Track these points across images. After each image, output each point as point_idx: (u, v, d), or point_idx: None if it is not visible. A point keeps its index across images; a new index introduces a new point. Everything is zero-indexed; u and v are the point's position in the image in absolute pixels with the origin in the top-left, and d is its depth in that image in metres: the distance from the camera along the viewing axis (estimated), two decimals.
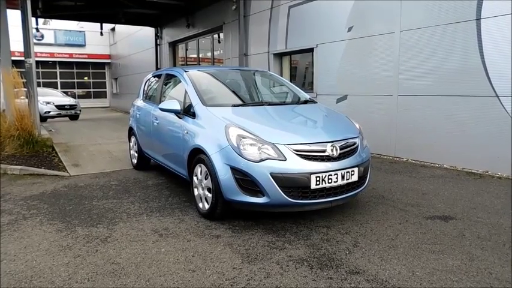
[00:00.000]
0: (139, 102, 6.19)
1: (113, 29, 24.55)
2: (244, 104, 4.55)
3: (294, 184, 3.37)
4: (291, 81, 9.05)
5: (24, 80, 7.93)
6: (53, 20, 23.07)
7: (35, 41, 10.17)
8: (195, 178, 4.03)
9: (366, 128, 4.74)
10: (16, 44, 9.28)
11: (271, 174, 3.34)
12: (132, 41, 21.20)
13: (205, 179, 3.80)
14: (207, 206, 3.82)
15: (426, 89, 6.35)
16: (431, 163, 6.31)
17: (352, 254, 3.04)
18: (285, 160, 3.39)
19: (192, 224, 3.74)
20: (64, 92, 19.78)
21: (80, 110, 17.00)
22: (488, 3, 5.44)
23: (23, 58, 7.90)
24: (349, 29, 7.62)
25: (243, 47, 10.79)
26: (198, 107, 4.19)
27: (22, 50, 7.87)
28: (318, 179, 3.40)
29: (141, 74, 14.26)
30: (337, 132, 3.89)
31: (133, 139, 6.32)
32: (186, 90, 4.55)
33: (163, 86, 5.49)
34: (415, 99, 6.56)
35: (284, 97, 5.27)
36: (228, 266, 2.86)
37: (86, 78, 28.74)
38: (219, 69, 6.10)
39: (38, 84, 9.85)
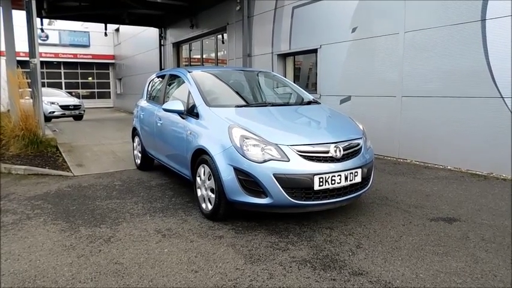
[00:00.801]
0: (143, 103, 6.20)
1: (117, 30, 24.63)
2: (248, 105, 4.55)
3: (297, 185, 3.37)
4: (294, 82, 9.04)
5: (29, 80, 7.97)
6: (58, 21, 23.20)
7: (39, 41, 10.19)
8: (198, 179, 4.03)
9: (370, 129, 4.73)
10: (21, 44, 9.34)
11: (274, 175, 3.34)
12: (136, 41, 21.26)
13: (209, 180, 3.80)
14: (210, 207, 3.82)
15: (430, 90, 6.33)
16: (435, 164, 6.28)
17: (355, 255, 3.03)
18: (288, 161, 3.39)
19: (195, 224, 3.75)
20: (68, 93, 19.85)
21: (84, 110, 17.06)
22: (493, 4, 5.41)
23: (27, 58, 7.94)
24: (353, 30, 7.60)
25: (247, 48, 10.80)
26: (201, 107, 4.19)
27: (27, 50, 7.92)
28: (321, 180, 3.39)
29: (145, 75, 14.29)
30: (340, 133, 3.88)
31: (136, 139, 6.34)
32: (189, 91, 4.55)
33: (167, 86, 5.50)
34: (419, 100, 6.53)
35: (287, 98, 5.27)
36: (230, 266, 2.86)
37: (90, 78, 28.84)
38: (222, 70, 6.10)
39: (43, 85, 9.88)
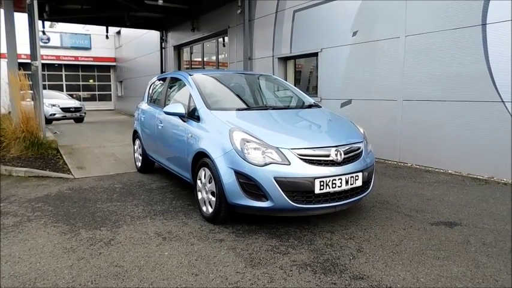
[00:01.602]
0: (144, 106, 6.21)
1: (119, 33, 24.71)
2: (249, 108, 4.56)
3: (297, 188, 3.37)
4: (295, 85, 9.04)
5: (30, 83, 7.98)
6: (59, 23, 23.26)
7: (41, 43, 10.23)
8: (198, 182, 4.03)
9: (370, 133, 4.73)
10: (23, 46, 9.36)
11: (275, 178, 3.34)
12: (137, 44, 21.32)
13: (209, 183, 3.80)
14: (210, 210, 3.82)
15: (431, 94, 6.33)
16: (436, 168, 6.27)
17: (356, 259, 3.03)
18: (289, 164, 3.39)
19: (195, 227, 3.74)
20: (69, 95, 19.89)
21: (85, 113, 17.08)
22: (494, 9, 5.42)
23: (29, 61, 7.95)
24: (354, 34, 7.62)
25: (248, 51, 10.82)
26: (202, 110, 4.20)
27: (28, 52, 7.93)
28: (322, 183, 3.39)
29: (146, 77, 14.33)
30: (341, 136, 3.88)
31: (137, 142, 6.34)
32: (190, 94, 4.56)
33: (168, 89, 5.51)
34: (419, 104, 6.53)
35: (288, 101, 5.27)
36: (231, 270, 2.85)
37: (91, 81, 28.89)
38: (223, 73, 6.11)
39: (44, 87, 9.91)
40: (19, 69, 8.02)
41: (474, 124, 5.78)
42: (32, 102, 7.98)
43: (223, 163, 3.58)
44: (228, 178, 3.53)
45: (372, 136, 4.85)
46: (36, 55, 7.85)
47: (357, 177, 3.62)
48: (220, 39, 13.45)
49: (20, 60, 8.58)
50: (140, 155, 6.19)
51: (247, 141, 3.51)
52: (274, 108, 4.75)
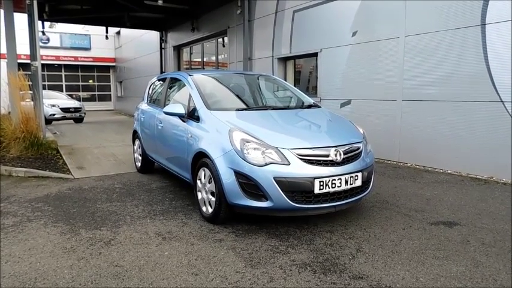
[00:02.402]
0: (144, 106, 6.22)
1: (118, 33, 24.70)
2: (248, 108, 4.56)
3: (297, 188, 3.37)
4: (295, 85, 9.06)
5: (30, 83, 7.99)
6: (59, 24, 23.26)
7: (40, 44, 10.24)
8: (198, 182, 4.03)
9: (370, 133, 4.74)
10: (22, 47, 9.36)
11: (274, 178, 3.34)
12: (137, 44, 21.32)
13: (209, 183, 3.81)
14: (210, 210, 3.82)
15: (430, 94, 6.34)
16: (436, 168, 6.28)
17: (355, 259, 3.03)
18: (289, 164, 3.39)
19: (195, 227, 3.75)
20: (69, 95, 19.89)
21: (85, 113, 17.09)
22: (493, 9, 5.43)
23: (29, 61, 7.96)
24: (354, 34, 7.63)
25: (247, 51, 10.82)
26: (202, 110, 4.20)
27: (28, 53, 7.94)
28: (321, 183, 3.40)
29: (146, 78, 14.35)
30: (341, 136, 3.89)
31: (137, 142, 6.35)
32: (190, 94, 4.57)
33: (168, 89, 5.52)
34: (419, 104, 6.54)
35: (288, 101, 5.28)
36: (231, 269, 2.86)
37: (90, 81, 28.89)
38: (223, 73, 6.12)
39: (44, 87, 9.90)
40: (19, 69, 8.02)
41: (473, 124, 5.79)
42: (32, 103, 7.99)
43: (223, 163, 3.58)
44: (227, 178, 3.53)
45: (372, 136, 4.86)
46: (35, 55, 7.86)
47: (356, 177, 3.62)
48: (220, 40, 13.46)
49: (19, 61, 8.58)
50: (140, 155, 6.19)
51: (247, 141, 3.52)
52: (273, 108, 4.75)
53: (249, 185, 3.43)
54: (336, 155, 3.54)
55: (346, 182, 3.54)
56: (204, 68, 14.92)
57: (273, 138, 3.58)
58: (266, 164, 3.39)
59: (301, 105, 4.95)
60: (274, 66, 10.02)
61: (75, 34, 26.36)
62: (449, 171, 6.09)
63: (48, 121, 14.46)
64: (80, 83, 28.55)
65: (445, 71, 6.09)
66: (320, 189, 3.40)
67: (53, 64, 26.44)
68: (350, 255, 3.11)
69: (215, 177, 3.64)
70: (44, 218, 4.06)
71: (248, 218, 3.86)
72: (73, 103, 16.88)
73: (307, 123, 4.37)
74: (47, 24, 19.67)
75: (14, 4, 8.44)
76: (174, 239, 3.46)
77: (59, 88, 25.30)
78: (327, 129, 4.25)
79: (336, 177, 3.48)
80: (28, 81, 7.97)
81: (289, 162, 3.40)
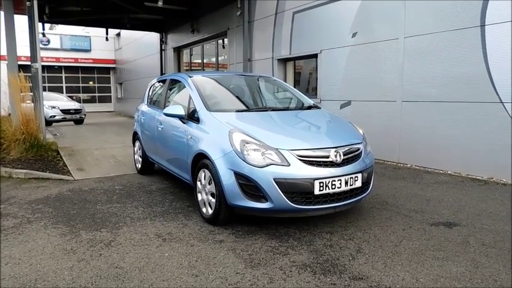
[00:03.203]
0: (144, 107, 6.22)
1: (118, 34, 24.73)
2: (248, 110, 4.56)
3: (297, 189, 3.38)
4: (295, 86, 9.06)
5: (30, 85, 8.00)
6: (59, 25, 23.29)
7: (41, 45, 10.26)
8: (198, 183, 4.04)
9: (370, 134, 4.74)
10: (23, 48, 9.38)
11: (274, 179, 3.35)
12: (137, 46, 21.34)
13: (209, 184, 3.81)
14: (210, 211, 3.82)
15: (430, 95, 6.35)
16: (435, 169, 6.28)
17: (355, 260, 3.04)
18: (289, 165, 3.40)
19: (195, 228, 3.75)
20: (69, 97, 19.90)
21: (85, 115, 17.10)
22: (492, 10, 5.44)
23: (29, 63, 7.98)
24: (353, 35, 7.64)
25: (247, 53, 10.84)
26: (202, 112, 4.21)
27: (28, 54, 7.95)
28: (321, 184, 3.40)
29: (146, 79, 14.36)
30: (340, 137, 3.89)
31: (137, 144, 6.35)
32: (190, 96, 4.57)
33: (168, 91, 5.52)
34: (418, 105, 6.55)
35: (288, 103, 5.28)
36: (231, 271, 2.86)
37: (91, 82, 28.92)
38: (223, 75, 6.13)
39: (44, 89, 9.91)
40: (19, 71, 8.04)
41: (473, 125, 5.79)
42: (32, 104, 7.99)
43: (223, 164, 3.59)
44: (227, 179, 3.53)
45: (371, 137, 4.86)
46: (36, 57, 7.88)
47: (356, 178, 3.63)
48: (220, 41, 13.47)
49: (20, 62, 8.59)
50: (140, 156, 6.20)
51: (247, 143, 3.52)
52: (273, 109, 4.76)
53: (249, 186, 3.44)
54: (335, 156, 3.54)
55: (346, 183, 3.54)
56: (204, 70, 14.94)
57: (273, 140, 3.59)
58: (266, 165, 3.39)
59: (301, 107, 4.96)
60: (274, 67, 10.03)
61: (76, 36, 26.40)
62: (449, 172, 6.09)
63: (49, 123, 14.46)
64: (80, 85, 28.58)
65: (445, 72, 6.09)
66: (320, 190, 3.40)
67: (53, 66, 26.48)
68: (350, 256, 3.11)
69: (215, 178, 3.65)
70: (44, 219, 4.07)
71: (248, 219, 3.86)
72: (73, 105, 16.90)
73: (307, 125, 4.38)
74: (47, 25, 19.67)
75: (14, 6, 8.46)
76: (174, 240, 3.46)
77: (59, 90, 25.36)
78: (327, 130, 4.25)
79: (336, 178, 3.48)
80: (28, 82, 7.98)
81: (289, 163, 3.41)
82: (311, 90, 9.40)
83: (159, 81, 6.24)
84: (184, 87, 4.87)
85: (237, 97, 5.03)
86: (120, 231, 3.70)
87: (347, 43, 7.79)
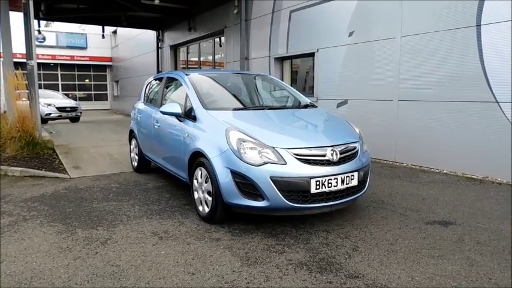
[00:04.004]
0: (141, 105, 6.21)
1: (115, 32, 24.64)
2: (245, 108, 4.57)
3: (294, 188, 3.38)
4: (291, 85, 9.08)
5: (26, 82, 7.96)
6: (55, 23, 23.16)
7: (36, 43, 10.21)
8: (195, 181, 4.03)
9: (366, 133, 4.75)
10: (18, 45, 9.32)
11: (271, 178, 3.35)
12: (133, 43, 21.27)
13: (206, 183, 3.81)
14: (207, 209, 3.82)
15: (426, 95, 6.37)
16: (431, 168, 6.31)
17: (351, 258, 3.05)
18: (285, 164, 3.40)
19: (192, 227, 3.75)
20: (65, 94, 19.82)
21: (81, 112, 17.02)
22: (488, 10, 5.47)
23: (24, 60, 7.93)
24: (350, 34, 7.65)
25: (244, 51, 10.82)
26: (198, 110, 4.20)
27: (24, 51, 7.91)
28: (317, 183, 3.41)
29: (142, 77, 14.30)
30: (337, 136, 3.90)
31: (134, 142, 6.34)
32: (187, 94, 4.57)
33: (165, 89, 5.51)
34: (415, 104, 6.57)
35: (285, 101, 5.29)
36: (227, 269, 2.87)
37: (87, 80, 28.79)
38: (220, 73, 6.12)
39: (39, 86, 9.85)
40: (18, 68, 7.99)
41: (469, 124, 5.82)
42: (28, 102, 7.95)
43: (219, 163, 3.59)
44: (224, 178, 3.54)
45: (368, 136, 4.88)
46: (31, 54, 7.83)
47: (352, 177, 3.64)
48: (217, 39, 13.46)
49: (15, 60, 8.56)
50: (136, 154, 6.18)
51: (244, 141, 3.53)
52: (270, 108, 4.76)
53: (246, 184, 3.44)
54: (332, 154, 3.55)
55: (343, 181, 3.56)
56: (200, 68, 14.91)
57: (270, 138, 3.59)
58: (263, 164, 3.39)
59: (298, 105, 4.96)
60: (271, 66, 10.03)
61: (72, 33, 26.25)
62: (445, 171, 6.12)
63: (44, 120, 14.40)
64: (76, 82, 28.44)
65: (441, 71, 6.12)
66: (316, 188, 3.41)
67: (49, 63, 26.33)
68: (346, 254, 3.12)
69: (212, 176, 3.65)
70: (40, 217, 4.05)
71: (245, 217, 3.86)
72: (69, 102, 16.83)
73: (304, 123, 4.38)
74: (42, 23, 19.54)
75: (10, 3, 8.41)
76: (170, 238, 3.46)
77: (55, 87, 25.20)
78: (324, 129, 4.26)
79: (332, 177, 3.49)
80: (24, 80, 7.94)
81: (285, 161, 3.41)
82: (308, 89, 9.41)
83: (155, 79, 6.23)
84: (181, 85, 4.86)
85: (234, 95, 5.03)
86: (117, 229, 3.70)
87: (344, 42, 7.80)
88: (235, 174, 3.47)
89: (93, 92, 29.03)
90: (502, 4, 5.32)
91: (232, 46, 11.63)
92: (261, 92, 5.39)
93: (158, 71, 16.69)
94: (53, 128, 13.09)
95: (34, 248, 3.25)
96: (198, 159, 3.94)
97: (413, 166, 6.58)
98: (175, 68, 16.54)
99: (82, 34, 26.64)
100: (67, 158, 7.31)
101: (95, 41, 25.79)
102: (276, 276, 2.75)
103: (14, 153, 7.04)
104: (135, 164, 6.29)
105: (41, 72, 25.43)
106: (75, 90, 28.20)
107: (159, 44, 17.33)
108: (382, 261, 2.99)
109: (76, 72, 28.21)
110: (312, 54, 8.74)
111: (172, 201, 4.61)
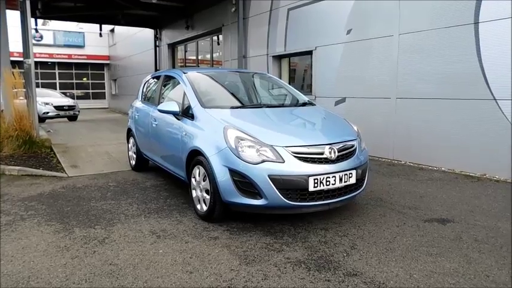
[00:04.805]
0: (138, 104, 6.19)
1: (112, 30, 24.56)
2: (243, 106, 4.56)
3: (292, 186, 3.38)
4: (289, 83, 9.07)
5: (23, 81, 7.93)
6: (52, 21, 23.09)
7: (34, 41, 10.15)
8: (193, 180, 4.03)
9: (364, 131, 4.75)
10: (15, 44, 9.28)
11: (269, 176, 3.35)
12: (131, 42, 21.21)
13: (204, 181, 3.80)
14: (205, 208, 3.82)
15: (424, 92, 6.37)
16: (429, 166, 6.32)
17: (349, 256, 3.05)
18: (283, 162, 3.40)
19: (190, 225, 3.74)
20: (63, 93, 19.76)
21: (79, 111, 16.99)
22: (486, 8, 5.47)
23: (22, 59, 7.90)
24: (348, 32, 7.64)
25: (242, 49, 10.81)
26: (196, 108, 4.19)
27: (21, 50, 7.88)
28: (316, 181, 3.41)
29: (140, 76, 14.26)
30: (335, 134, 3.90)
31: (131, 140, 6.32)
32: (184, 92, 4.55)
33: (162, 87, 5.50)
34: (413, 102, 6.58)
35: (283, 99, 5.28)
36: (225, 267, 2.86)
37: (84, 79, 28.72)
38: (218, 71, 6.11)
39: (37, 85, 9.83)
40: (16, 67, 7.96)
41: (467, 122, 5.83)
42: (25, 101, 7.92)
43: (217, 161, 3.58)
44: (222, 176, 3.53)
45: (366, 134, 4.87)
46: (29, 53, 7.80)
47: (350, 175, 3.64)
48: (215, 38, 13.42)
49: (12, 58, 8.51)
50: (134, 153, 6.17)
51: (242, 139, 3.52)
52: (268, 106, 4.76)
53: (244, 183, 3.44)
54: (330, 152, 3.55)
55: (341, 179, 3.55)
56: (198, 66, 14.88)
57: (268, 136, 3.58)
58: (261, 162, 3.39)
59: (296, 103, 4.96)
60: (269, 64, 10.01)
61: (69, 32, 26.19)
62: (443, 168, 6.13)
63: (42, 119, 14.36)
64: (74, 81, 28.39)
65: (439, 69, 6.12)
66: (314, 186, 3.41)
67: (47, 62, 26.27)
68: (344, 252, 3.12)
69: (210, 175, 3.64)
70: (38, 216, 4.04)
71: (243, 215, 3.86)
72: (67, 101, 16.79)
73: (302, 121, 4.38)
74: (40, 21, 19.49)
75: (7, 1, 8.35)
76: (168, 237, 3.46)
77: (52, 86, 25.15)
78: (322, 127, 4.26)
79: (330, 175, 3.49)
80: (21, 78, 7.91)
81: (283, 160, 3.41)
82: (306, 87, 9.40)
83: (153, 78, 6.21)
84: (179, 83, 4.85)
85: (232, 94, 5.02)
86: (114, 228, 3.69)
87: (342, 40, 7.79)
88: (233, 172, 3.47)
89: (91, 91, 28.97)
90: (500, 1, 5.32)
91: (230, 44, 11.61)
92: (259, 90, 5.38)
93: (156, 70, 16.65)
94: (50, 127, 13.06)
95: (32, 247, 3.25)
96: (196, 157, 3.93)
97: (411, 164, 6.58)
98: (173, 67, 16.51)
99: (80, 32, 26.58)
100: (65, 157, 7.30)
101: (93, 39, 25.73)
102: (274, 274, 2.75)
103: (11, 152, 7.01)
104: (133, 162, 6.27)
105: (39, 71, 25.38)
106: (73, 89, 28.15)
107: (157, 42, 17.29)
108: (380, 259, 3.00)
109: (74, 71, 28.15)
110: (309, 52, 8.73)
111: (170, 200, 4.61)
